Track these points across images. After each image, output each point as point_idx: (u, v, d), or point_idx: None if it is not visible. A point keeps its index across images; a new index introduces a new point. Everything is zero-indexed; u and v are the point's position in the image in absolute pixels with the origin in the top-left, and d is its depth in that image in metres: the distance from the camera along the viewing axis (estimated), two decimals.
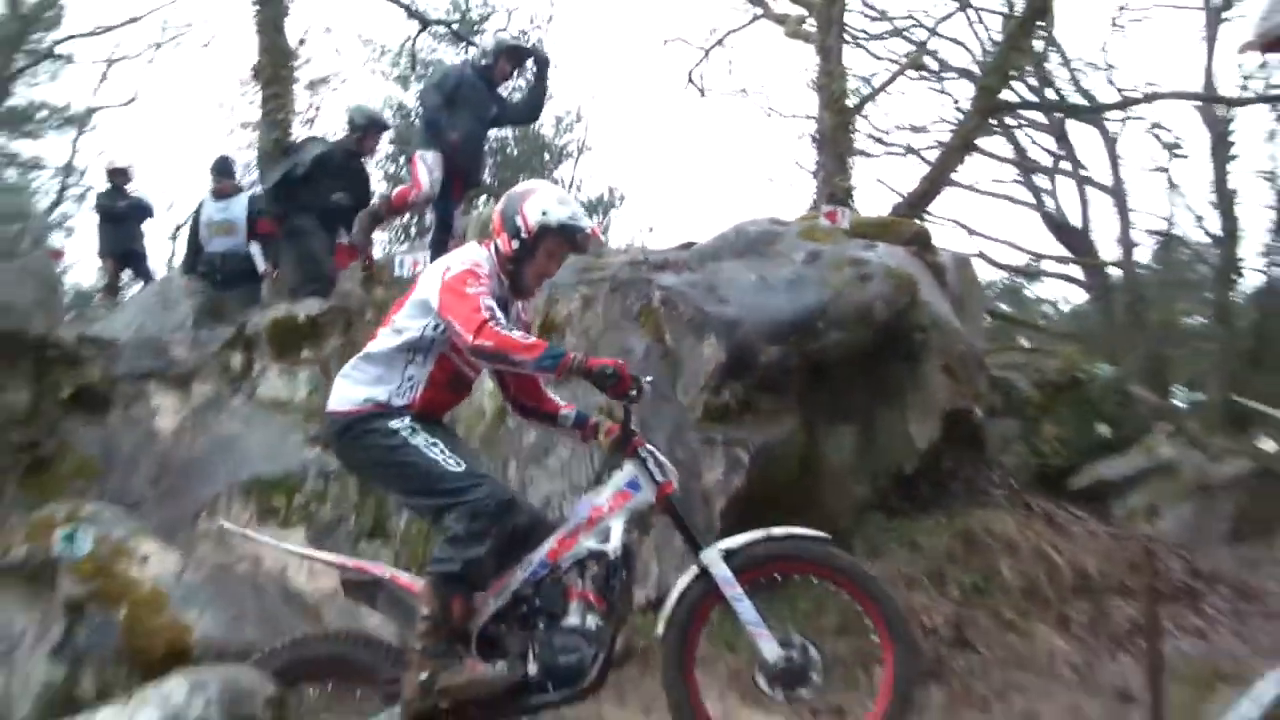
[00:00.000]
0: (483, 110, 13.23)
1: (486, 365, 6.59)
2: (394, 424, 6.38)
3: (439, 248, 12.82)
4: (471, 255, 6.57)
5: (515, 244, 6.54)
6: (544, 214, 6.50)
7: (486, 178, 14.21)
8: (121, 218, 18.22)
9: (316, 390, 12.07)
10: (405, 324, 6.53)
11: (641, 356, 10.04)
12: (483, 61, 13.75)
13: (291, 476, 11.26)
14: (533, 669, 6.06)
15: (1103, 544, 10.49)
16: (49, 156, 37.93)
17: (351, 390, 6.50)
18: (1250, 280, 32.00)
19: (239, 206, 15.28)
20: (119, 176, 18.41)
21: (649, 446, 6.56)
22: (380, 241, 28.31)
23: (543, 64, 13.85)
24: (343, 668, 6.50)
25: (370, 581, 6.51)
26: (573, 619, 6.11)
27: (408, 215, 13.47)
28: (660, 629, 6.28)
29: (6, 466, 10.89)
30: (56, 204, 34.50)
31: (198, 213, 15.87)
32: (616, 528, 6.23)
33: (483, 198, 14.21)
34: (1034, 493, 11.74)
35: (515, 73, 13.83)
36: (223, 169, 16.03)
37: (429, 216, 13.49)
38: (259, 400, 12.15)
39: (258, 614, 8.98)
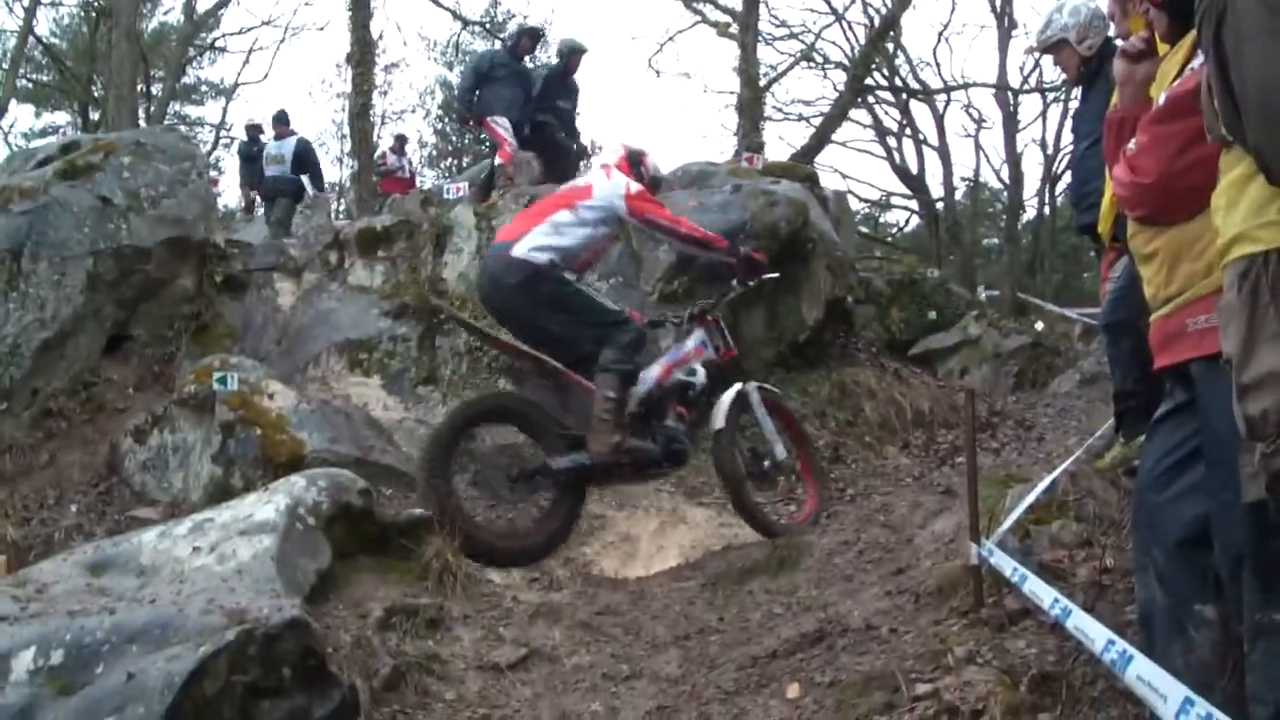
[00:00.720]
0: (516, 77, 12.89)
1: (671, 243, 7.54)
2: (567, 275, 6.42)
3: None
4: (634, 182, 6.83)
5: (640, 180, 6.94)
6: (656, 168, 7.43)
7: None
8: (255, 159, 18.52)
9: (389, 279, 11.93)
10: (588, 214, 6.56)
11: (616, 257, 9.92)
12: (509, 42, 13.60)
13: (371, 340, 11.13)
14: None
15: (932, 392, 10.51)
16: (208, 116, 39.47)
17: (540, 253, 6.35)
18: (1029, 214, 32.50)
19: (289, 146, 15.69)
20: (254, 131, 19.08)
21: (721, 324, 7.25)
22: (431, 176, 28.16)
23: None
24: (522, 421, 6.62)
25: (550, 371, 6.47)
26: (671, 422, 6.57)
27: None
28: (718, 424, 6.68)
29: (180, 330, 10.80)
30: (213, 149, 34.92)
31: (264, 149, 16.40)
32: (699, 370, 6.75)
33: None
34: (886, 357, 11.71)
35: (533, 47, 13.44)
36: (280, 118, 16.38)
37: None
38: (349, 285, 11.99)
39: (349, 435, 8.93)
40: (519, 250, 6.34)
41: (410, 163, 22.26)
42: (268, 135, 18.50)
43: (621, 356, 6.33)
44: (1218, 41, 2.12)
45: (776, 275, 7.93)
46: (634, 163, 7.12)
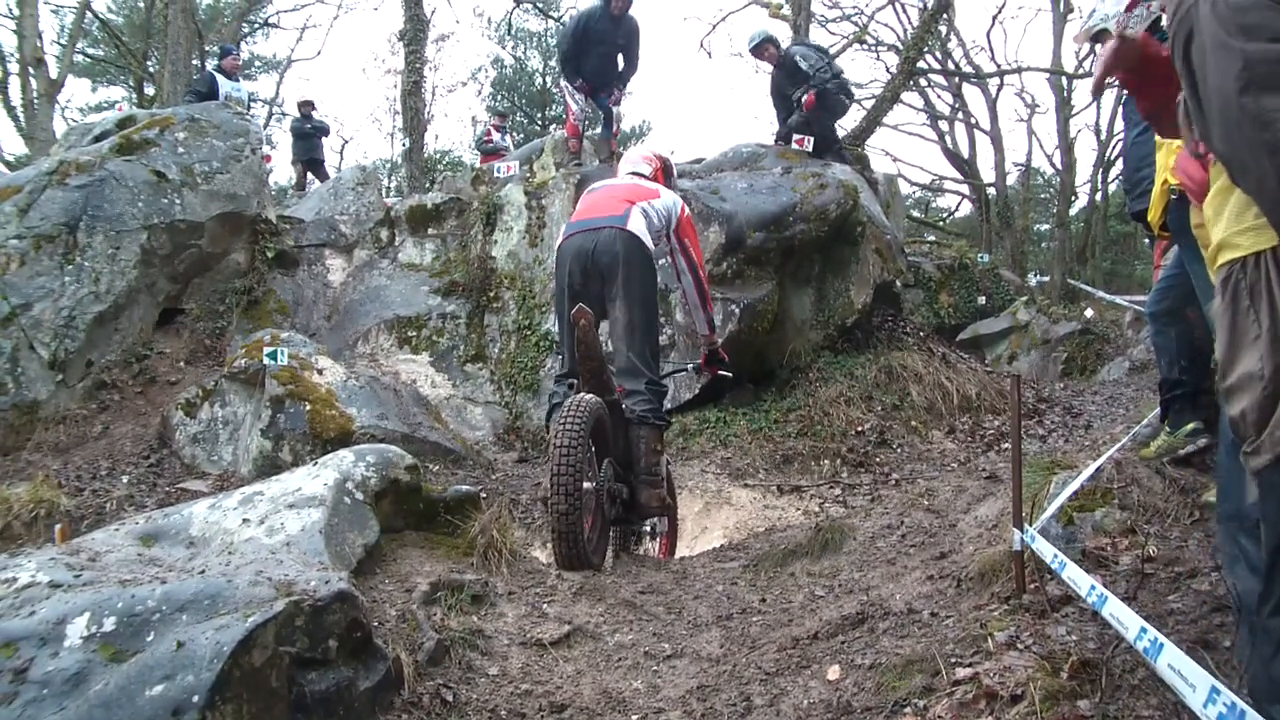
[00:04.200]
0: (607, 36, 12.20)
1: (685, 277, 6.30)
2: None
3: (607, 131, 12.65)
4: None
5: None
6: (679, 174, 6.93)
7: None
8: (308, 136, 18.90)
9: (439, 257, 12.04)
10: (653, 215, 6.07)
11: None
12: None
13: (420, 317, 11.29)
14: None
15: (980, 378, 10.43)
16: (261, 92, 39.51)
17: (646, 235, 5.90)
18: (1080, 200, 32.30)
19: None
20: (306, 106, 19.43)
21: None
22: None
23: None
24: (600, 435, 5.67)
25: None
26: None
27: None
28: None
29: (232, 305, 10.99)
30: (265, 125, 35.02)
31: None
32: None
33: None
34: (934, 341, 11.64)
35: (628, 5, 12.13)
36: (225, 52, 17.25)
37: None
38: (399, 263, 12.14)
39: (397, 411, 9.02)
40: (634, 226, 5.90)
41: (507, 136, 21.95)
42: (317, 113, 18.78)
43: (660, 408, 5.89)
44: (1187, 59, 2.19)
45: (730, 376, 7.24)
46: (668, 173, 6.71)
